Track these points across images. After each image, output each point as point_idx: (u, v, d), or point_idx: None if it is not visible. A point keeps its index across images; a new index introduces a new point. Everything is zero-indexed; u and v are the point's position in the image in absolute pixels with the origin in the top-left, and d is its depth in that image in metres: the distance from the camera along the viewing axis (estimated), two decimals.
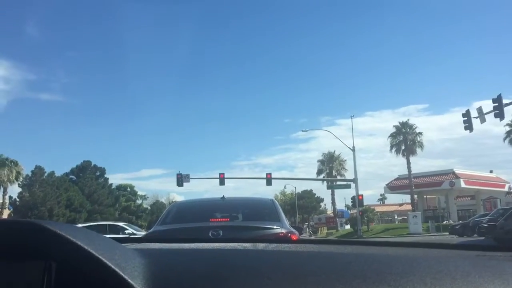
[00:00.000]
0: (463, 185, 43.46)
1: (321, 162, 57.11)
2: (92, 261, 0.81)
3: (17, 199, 48.25)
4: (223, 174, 39.31)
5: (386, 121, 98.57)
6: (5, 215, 46.75)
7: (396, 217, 60.72)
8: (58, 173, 54.03)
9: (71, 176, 59.04)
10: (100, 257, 0.81)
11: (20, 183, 48.94)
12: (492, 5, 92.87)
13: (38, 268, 0.83)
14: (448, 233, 30.24)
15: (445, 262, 0.99)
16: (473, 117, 24.71)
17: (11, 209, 48.25)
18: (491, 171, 51.76)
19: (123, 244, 1.07)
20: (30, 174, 49.57)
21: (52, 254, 0.83)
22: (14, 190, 49.81)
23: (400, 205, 76.13)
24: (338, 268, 0.96)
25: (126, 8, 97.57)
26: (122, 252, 0.92)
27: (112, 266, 0.81)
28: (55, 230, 0.83)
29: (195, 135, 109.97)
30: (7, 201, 48.80)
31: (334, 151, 56.25)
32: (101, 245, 0.86)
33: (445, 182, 43.61)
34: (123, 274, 0.82)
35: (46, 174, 50.67)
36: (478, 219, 26.95)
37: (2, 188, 48.03)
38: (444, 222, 38.57)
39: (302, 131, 54.34)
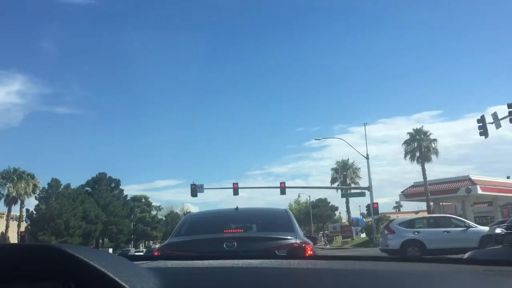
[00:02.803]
0: (479, 191, 42.80)
1: (335, 170, 56.71)
2: (109, 283, 0.86)
3: (34, 212, 48.74)
4: (237, 184, 39.33)
5: (399, 128, 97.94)
6: (22, 228, 47.37)
7: None
8: (73, 185, 54.66)
9: (86, 188, 59.60)
10: (116, 279, 0.86)
11: (37, 196, 49.57)
12: (508, 11, 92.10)
13: None
14: None
15: (454, 278, 1.02)
16: (488, 123, 24.45)
17: (28, 222, 48.79)
18: (508, 177, 50.92)
19: (137, 263, 1.10)
20: (46, 186, 50.14)
21: (71, 276, 0.89)
22: (31, 203, 50.56)
23: (416, 212, 75.07)
24: (349, 286, 0.96)
25: (143, 28, 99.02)
26: (137, 273, 0.96)
27: None
28: (73, 253, 0.88)
29: (208, 145, 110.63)
30: (24, 214, 49.39)
31: (348, 159, 55.99)
32: (118, 267, 0.91)
33: (462, 189, 42.98)
34: None
35: (62, 187, 51.14)
36: (496, 226, 26.52)
37: (19, 201, 48.71)
38: None
39: (315, 139, 54.23)
